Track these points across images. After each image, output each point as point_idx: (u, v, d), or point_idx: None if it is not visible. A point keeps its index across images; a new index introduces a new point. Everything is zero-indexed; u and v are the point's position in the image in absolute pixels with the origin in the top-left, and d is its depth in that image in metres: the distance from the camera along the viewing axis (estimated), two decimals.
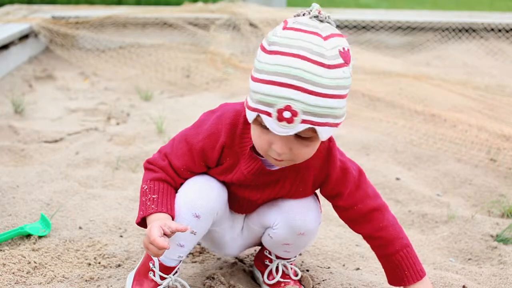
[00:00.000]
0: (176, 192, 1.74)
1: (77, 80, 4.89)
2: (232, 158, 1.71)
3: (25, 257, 2.03)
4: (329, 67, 1.43)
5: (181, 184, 1.75)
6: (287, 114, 1.43)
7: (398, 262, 1.77)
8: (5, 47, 4.79)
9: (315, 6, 1.51)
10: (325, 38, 1.44)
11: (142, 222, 1.72)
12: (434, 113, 3.77)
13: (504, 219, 2.58)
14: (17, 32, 4.99)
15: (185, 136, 1.73)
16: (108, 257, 2.08)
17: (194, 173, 1.76)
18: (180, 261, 1.82)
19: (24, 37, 5.21)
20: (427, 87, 4.32)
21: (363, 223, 1.78)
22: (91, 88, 4.65)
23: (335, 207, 1.82)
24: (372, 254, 2.22)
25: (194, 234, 1.70)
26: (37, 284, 1.92)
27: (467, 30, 6.12)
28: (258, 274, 2.00)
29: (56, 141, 3.36)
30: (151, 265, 1.81)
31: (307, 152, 1.55)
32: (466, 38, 6.07)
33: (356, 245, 2.28)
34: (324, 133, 1.49)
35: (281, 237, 1.83)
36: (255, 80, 1.48)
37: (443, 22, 6.12)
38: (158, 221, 1.61)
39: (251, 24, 5.79)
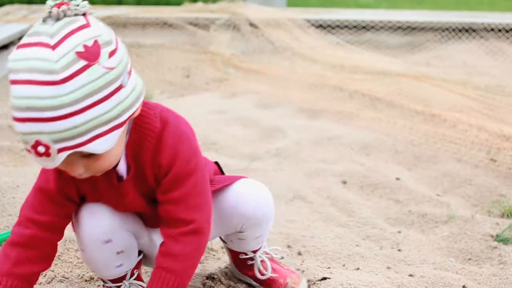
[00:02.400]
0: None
1: None
2: (87, 183, 1.55)
3: None
4: (60, 82, 1.25)
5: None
6: (41, 149, 1.30)
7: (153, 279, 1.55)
8: (5, 47, 4.79)
9: (49, 3, 1.32)
10: (55, 46, 1.26)
11: None
12: (434, 113, 3.77)
13: (504, 219, 2.58)
14: (17, 32, 4.99)
15: (36, 185, 1.60)
16: None
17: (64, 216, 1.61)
18: (130, 269, 1.76)
19: None
20: (427, 87, 4.32)
21: (164, 225, 1.56)
22: None
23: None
24: (372, 254, 2.22)
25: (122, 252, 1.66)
26: (37, 284, 1.91)
27: (467, 30, 6.11)
28: (249, 280, 1.95)
29: None
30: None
31: (104, 163, 1.41)
32: (466, 38, 6.07)
33: (356, 245, 2.28)
34: (97, 148, 1.33)
35: (253, 232, 1.80)
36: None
37: (443, 22, 6.12)
38: None
39: (251, 24, 5.79)
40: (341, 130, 3.59)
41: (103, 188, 1.56)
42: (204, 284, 1.94)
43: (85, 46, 1.28)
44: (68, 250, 2.12)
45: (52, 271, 1.98)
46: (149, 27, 5.85)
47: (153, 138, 1.50)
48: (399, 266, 2.16)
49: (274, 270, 1.91)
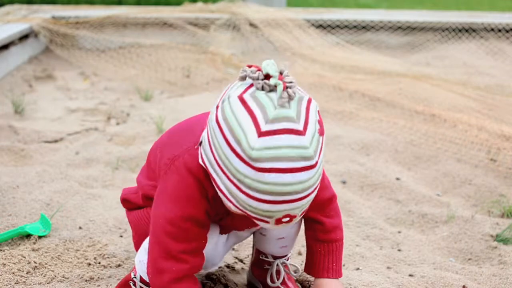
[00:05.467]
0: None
1: (77, 80, 4.89)
2: (219, 204, 1.56)
3: (25, 257, 2.03)
4: (315, 165, 1.35)
5: None
6: (286, 219, 1.39)
7: (329, 251, 1.76)
8: (5, 47, 4.80)
9: (279, 85, 1.33)
10: (304, 131, 1.32)
11: None
12: (434, 113, 3.77)
13: (504, 219, 2.58)
14: (17, 32, 4.99)
15: (179, 216, 1.55)
16: (108, 257, 2.08)
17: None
18: None
19: (24, 37, 5.22)
20: (427, 87, 4.32)
21: (315, 211, 1.73)
22: (91, 88, 4.65)
23: None
24: (372, 254, 2.22)
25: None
26: (37, 284, 1.92)
27: (467, 30, 6.12)
28: (258, 285, 1.96)
29: (56, 141, 3.36)
30: (132, 275, 1.78)
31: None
32: (466, 38, 6.08)
33: (356, 245, 2.28)
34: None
35: (274, 231, 1.81)
36: (245, 194, 1.36)
37: (443, 22, 6.12)
38: None
39: (251, 24, 5.79)
40: (341, 130, 3.59)
41: None
42: (204, 284, 1.94)
43: (319, 122, 1.37)
44: (68, 250, 2.13)
45: (52, 271, 1.98)
46: (149, 27, 5.85)
47: None
48: (399, 266, 2.16)
49: (285, 284, 1.91)
